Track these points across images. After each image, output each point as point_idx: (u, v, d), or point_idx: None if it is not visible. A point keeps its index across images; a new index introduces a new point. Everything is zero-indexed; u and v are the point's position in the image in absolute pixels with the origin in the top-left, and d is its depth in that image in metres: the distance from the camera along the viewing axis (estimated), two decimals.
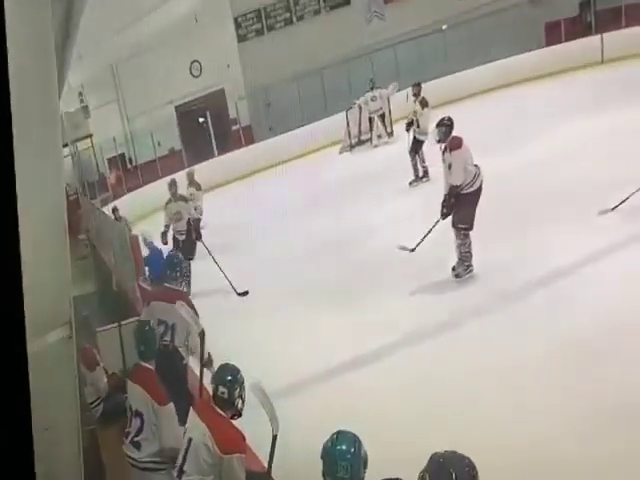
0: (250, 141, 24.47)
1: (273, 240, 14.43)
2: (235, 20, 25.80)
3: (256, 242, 14.43)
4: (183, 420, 5.92)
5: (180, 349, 7.74)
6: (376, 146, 21.94)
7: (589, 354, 8.28)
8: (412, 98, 17.07)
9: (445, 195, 10.97)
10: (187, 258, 10.73)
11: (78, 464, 4.45)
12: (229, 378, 5.37)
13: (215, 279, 12.07)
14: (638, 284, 9.35)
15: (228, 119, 25.78)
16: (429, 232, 11.10)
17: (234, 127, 25.54)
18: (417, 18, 26.16)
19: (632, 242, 10.60)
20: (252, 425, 5.30)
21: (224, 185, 21.30)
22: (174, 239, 13.29)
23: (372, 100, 21.91)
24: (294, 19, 26.62)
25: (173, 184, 14.59)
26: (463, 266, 11.17)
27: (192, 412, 5.51)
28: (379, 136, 22.18)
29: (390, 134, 22.13)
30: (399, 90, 21.99)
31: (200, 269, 12.50)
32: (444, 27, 26.03)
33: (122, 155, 24.00)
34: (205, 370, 6.71)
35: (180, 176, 17.08)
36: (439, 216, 10.70)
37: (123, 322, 8.45)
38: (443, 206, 10.91)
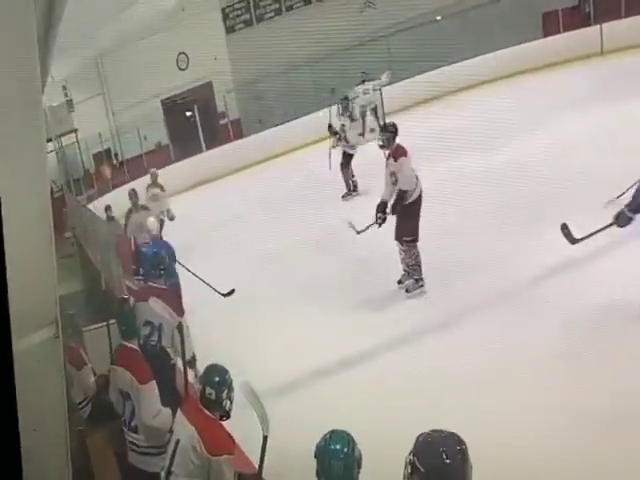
0: (239, 135, 24.49)
1: (258, 237, 14.46)
2: (223, 11, 25.81)
3: (240, 240, 14.44)
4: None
5: (168, 349, 7.77)
6: (368, 140, 21.94)
7: (585, 355, 8.35)
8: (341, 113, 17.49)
9: (381, 200, 11.08)
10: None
11: (66, 465, 4.49)
12: (217, 379, 5.38)
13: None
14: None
15: (216, 113, 25.77)
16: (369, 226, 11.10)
17: (222, 121, 25.52)
18: (410, 7, 26.16)
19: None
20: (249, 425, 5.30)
21: (212, 181, 21.32)
22: None
23: (364, 93, 21.94)
24: (283, 9, 26.58)
25: (134, 194, 14.66)
26: (412, 280, 11.20)
27: (180, 413, 5.52)
28: (371, 130, 22.18)
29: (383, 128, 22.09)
30: (391, 83, 22.12)
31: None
32: (438, 18, 26.03)
33: (108, 150, 23.98)
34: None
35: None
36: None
37: (111, 321, 8.48)
38: (378, 211, 10.99)
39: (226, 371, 5.48)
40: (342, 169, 16.78)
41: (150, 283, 8.74)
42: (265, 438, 4.83)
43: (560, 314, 9.22)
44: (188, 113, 24.95)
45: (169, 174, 21.74)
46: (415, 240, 10.94)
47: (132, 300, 7.71)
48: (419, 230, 10.90)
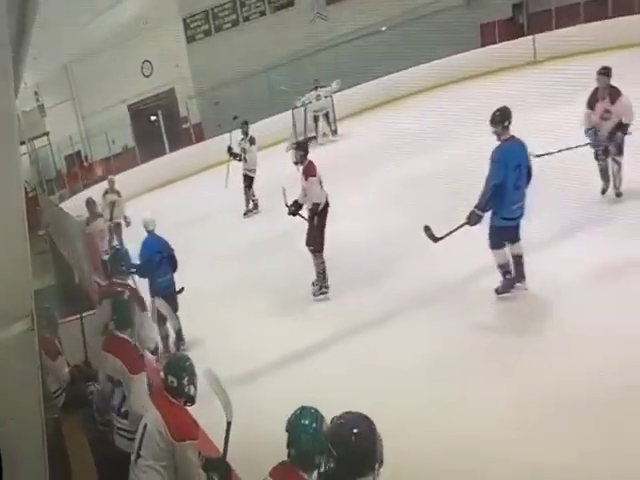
0: (200, 138, 24.41)
1: (219, 237, 14.37)
2: (184, 21, 25.76)
3: (201, 240, 14.35)
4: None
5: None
6: (321, 144, 21.99)
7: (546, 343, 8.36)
8: (241, 136, 17.25)
9: (295, 201, 11.31)
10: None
11: (42, 452, 4.40)
12: (177, 367, 5.35)
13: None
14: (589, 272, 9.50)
15: (179, 117, 25.72)
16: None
17: (184, 125, 25.46)
18: (358, 19, 26.22)
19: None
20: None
21: (176, 181, 21.20)
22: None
23: (316, 99, 21.97)
24: (240, 20, 26.57)
25: (91, 202, 14.52)
26: (318, 286, 11.31)
27: (147, 398, 5.47)
28: (324, 134, 22.25)
29: (334, 132, 22.24)
30: (341, 89, 22.19)
31: None
32: (383, 28, 26.07)
33: (78, 153, 23.85)
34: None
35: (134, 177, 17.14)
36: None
37: (85, 314, 8.41)
38: (292, 206, 11.32)
39: (187, 359, 5.48)
40: (245, 190, 16.72)
41: (114, 279, 8.69)
42: (229, 424, 4.77)
43: (493, 309, 9.28)
44: (153, 117, 24.86)
45: (135, 175, 21.79)
46: (317, 251, 11.12)
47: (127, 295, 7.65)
48: (324, 241, 11.07)
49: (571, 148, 11.45)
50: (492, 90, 21.10)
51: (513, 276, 9.50)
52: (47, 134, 23.19)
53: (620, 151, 11.43)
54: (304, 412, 4.21)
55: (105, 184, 16.60)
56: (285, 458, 4.12)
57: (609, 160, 11.59)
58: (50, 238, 15.41)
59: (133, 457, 5.27)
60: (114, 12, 19.67)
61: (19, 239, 3.45)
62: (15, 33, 4.14)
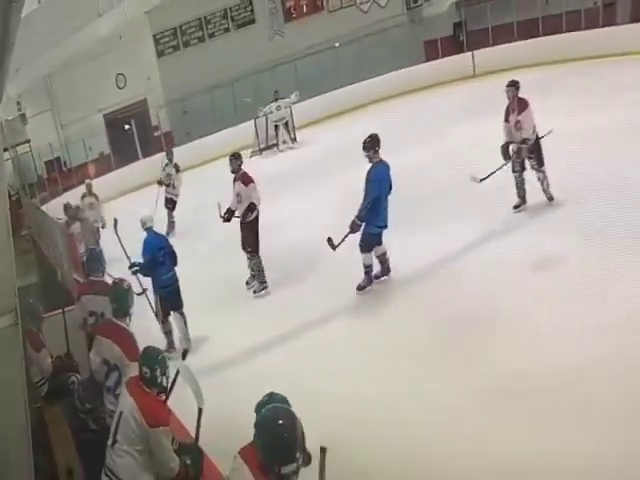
0: (171, 145, 24.24)
1: (191, 236, 14.26)
2: (154, 37, 25.57)
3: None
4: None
5: None
6: (282, 150, 22.04)
7: (471, 330, 8.39)
8: (166, 161, 16.57)
9: (228, 208, 11.45)
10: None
11: (27, 440, 4.35)
12: (151, 359, 5.32)
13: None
14: (515, 270, 9.55)
15: (150, 126, 25.55)
16: None
17: (156, 133, 25.31)
18: (313, 36, 26.34)
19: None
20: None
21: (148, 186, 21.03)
22: None
23: (277, 109, 22.00)
24: (206, 36, 26.48)
25: (69, 207, 14.31)
26: (257, 283, 11.49)
27: (124, 388, 5.43)
28: (284, 142, 22.30)
29: (294, 140, 22.30)
30: (300, 101, 22.21)
31: None
32: (337, 44, 26.14)
33: (58, 158, 23.64)
34: None
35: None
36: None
37: (67, 309, 8.32)
38: (225, 213, 11.46)
39: (160, 352, 5.48)
40: (168, 212, 16.20)
41: (91, 277, 8.57)
42: (200, 410, 4.73)
43: (428, 310, 9.31)
44: (126, 126, 24.64)
45: (110, 179, 21.64)
46: (254, 252, 11.35)
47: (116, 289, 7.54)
48: (259, 242, 11.33)
49: (505, 164, 11.43)
50: (436, 101, 21.33)
51: (375, 273, 10.42)
52: (29, 141, 22.94)
53: (540, 162, 11.40)
54: (272, 396, 4.20)
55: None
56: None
57: (524, 175, 11.57)
58: (32, 238, 15.29)
59: (109, 442, 5.25)
60: (91, 28, 19.44)
61: (3, 239, 3.44)
62: None
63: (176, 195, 16.19)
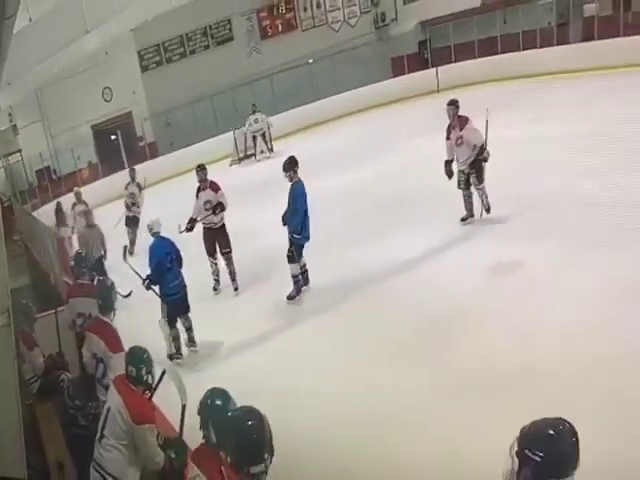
0: (154, 155, 24.28)
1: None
2: (139, 53, 25.48)
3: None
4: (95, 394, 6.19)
5: None
6: (259, 160, 22.08)
7: (437, 331, 8.43)
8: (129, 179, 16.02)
9: (191, 218, 11.41)
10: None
11: (19, 435, 4.35)
12: (137, 359, 5.30)
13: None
14: (472, 273, 9.63)
15: (135, 136, 25.45)
16: None
17: (141, 143, 25.24)
18: (288, 53, 26.40)
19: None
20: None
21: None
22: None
23: (255, 122, 22.02)
24: (188, 53, 26.43)
25: (60, 210, 14.15)
26: (236, 283, 11.53)
27: (112, 385, 5.42)
28: (261, 152, 22.35)
29: (270, 150, 22.36)
30: (276, 113, 22.34)
31: None
32: (310, 61, 26.23)
33: (48, 167, 23.51)
34: None
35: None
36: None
37: (59, 309, 8.31)
38: (188, 223, 11.37)
39: (145, 351, 5.40)
40: (133, 230, 15.45)
41: (78, 281, 8.56)
42: (184, 407, 4.75)
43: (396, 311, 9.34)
44: (113, 137, 24.53)
45: (98, 187, 21.56)
46: (231, 252, 11.41)
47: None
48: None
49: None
50: (402, 115, 21.43)
51: (301, 282, 10.57)
52: (20, 151, 22.85)
53: (480, 179, 11.28)
54: (213, 393, 4.19)
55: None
56: None
57: (472, 189, 11.49)
58: (24, 243, 15.18)
59: (97, 437, 5.23)
60: (79, 44, 19.34)
61: None
62: None
63: (139, 213, 15.48)
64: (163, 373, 5.11)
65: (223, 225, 11.47)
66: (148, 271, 9.26)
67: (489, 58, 24.27)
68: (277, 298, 10.61)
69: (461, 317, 8.56)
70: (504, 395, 6.65)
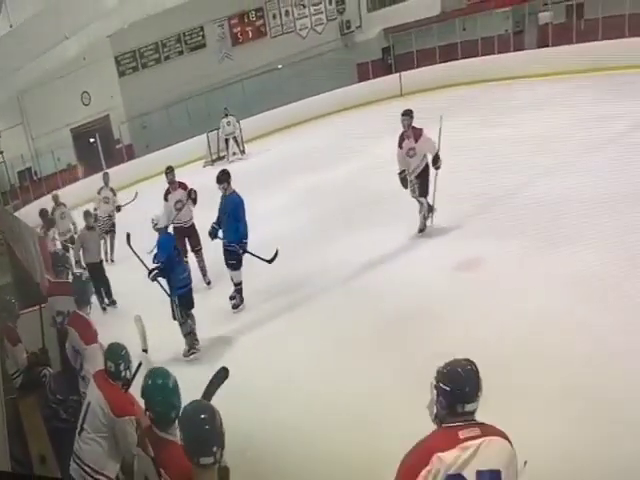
0: (131, 157, 24.13)
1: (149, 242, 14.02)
2: (115, 59, 25.27)
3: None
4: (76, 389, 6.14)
5: None
6: (232, 162, 22.03)
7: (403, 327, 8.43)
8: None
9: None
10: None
11: (2, 429, 4.29)
12: (115, 355, 5.27)
13: None
14: (435, 270, 9.66)
15: (113, 139, 25.26)
16: None
17: (118, 146, 25.05)
18: (258, 59, 26.35)
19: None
20: None
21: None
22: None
23: (227, 125, 21.96)
24: (162, 59, 26.26)
25: (44, 213, 13.86)
26: (207, 277, 11.58)
27: (92, 380, 5.37)
28: (234, 153, 22.32)
29: (242, 152, 22.39)
30: (248, 116, 22.32)
31: None
32: (280, 66, 26.22)
33: (29, 169, 23.24)
34: None
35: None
36: None
37: (43, 306, 8.21)
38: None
39: (123, 348, 5.36)
40: (112, 236, 14.89)
41: (56, 280, 8.47)
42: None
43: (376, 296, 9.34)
44: (91, 139, 24.33)
45: (77, 188, 21.38)
46: (201, 249, 11.53)
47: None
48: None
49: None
50: (367, 118, 21.45)
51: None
52: (1, 153, 22.53)
53: (423, 192, 11.11)
54: (154, 374, 4.14)
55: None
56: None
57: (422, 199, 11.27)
58: (6, 242, 14.97)
59: (77, 430, 5.20)
60: (57, 50, 19.20)
61: None
62: None
63: (114, 218, 14.87)
64: (139, 365, 5.07)
65: (193, 224, 11.52)
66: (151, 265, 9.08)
67: (450, 63, 24.43)
68: (248, 292, 10.53)
69: (426, 313, 8.56)
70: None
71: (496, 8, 24.18)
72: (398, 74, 25.83)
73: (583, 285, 8.18)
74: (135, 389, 5.26)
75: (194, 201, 11.43)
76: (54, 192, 16.27)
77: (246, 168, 20.27)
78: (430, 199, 11.24)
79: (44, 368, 7.33)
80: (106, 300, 11.93)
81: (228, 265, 10.30)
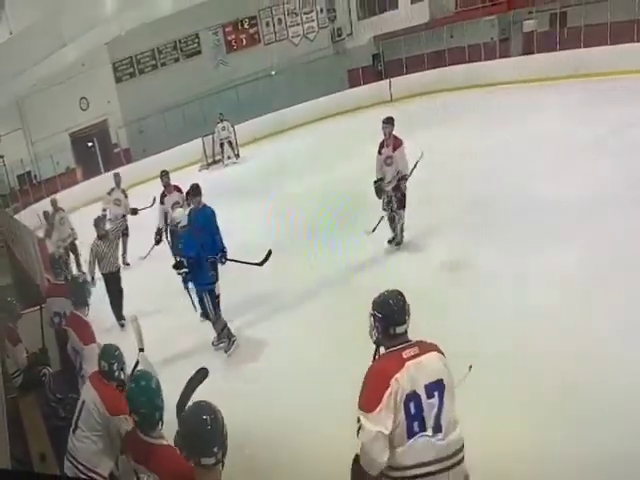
0: (129, 160, 24.06)
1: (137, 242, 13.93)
2: (113, 65, 25.27)
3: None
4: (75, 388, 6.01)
5: None
6: (227, 165, 22.01)
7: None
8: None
9: (158, 229, 11.39)
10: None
11: (3, 428, 4.25)
12: (109, 355, 5.22)
13: None
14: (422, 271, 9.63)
15: (111, 143, 25.26)
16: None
17: (116, 150, 25.05)
18: (252, 65, 26.49)
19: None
20: None
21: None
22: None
23: (222, 129, 21.93)
24: (159, 65, 26.26)
25: (47, 215, 13.62)
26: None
27: (87, 380, 5.33)
28: (228, 157, 22.29)
29: (237, 156, 22.37)
30: (242, 121, 22.31)
31: None
32: (273, 73, 26.25)
33: (29, 172, 23.17)
34: None
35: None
36: None
37: (43, 306, 8.17)
38: (157, 234, 11.40)
39: (117, 348, 5.29)
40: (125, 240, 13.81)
41: (54, 282, 8.43)
42: None
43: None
44: (89, 144, 24.34)
45: (76, 191, 21.33)
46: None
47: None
48: None
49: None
50: (359, 123, 21.44)
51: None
52: (2, 157, 22.48)
53: (401, 205, 10.63)
54: (139, 376, 4.16)
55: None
56: None
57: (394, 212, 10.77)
58: (6, 244, 14.89)
59: (72, 428, 5.15)
60: (57, 56, 19.18)
61: None
62: None
63: (126, 221, 13.82)
64: (137, 364, 5.03)
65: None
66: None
67: (438, 70, 24.54)
68: (246, 293, 10.47)
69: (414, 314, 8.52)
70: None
71: (483, 16, 24.22)
72: (388, 80, 25.91)
73: (570, 285, 8.14)
74: None
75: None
76: (52, 196, 15.83)
77: (240, 172, 20.33)
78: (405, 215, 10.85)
79: (44, 368, 7.29)
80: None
81: None
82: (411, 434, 3.69)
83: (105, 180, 21.68)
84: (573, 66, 19.83)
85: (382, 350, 3.99)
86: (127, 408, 4.94)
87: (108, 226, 11.95)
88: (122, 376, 5.20)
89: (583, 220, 9.78)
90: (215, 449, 3.30)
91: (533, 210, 10.67)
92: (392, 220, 10.83)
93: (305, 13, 29.03)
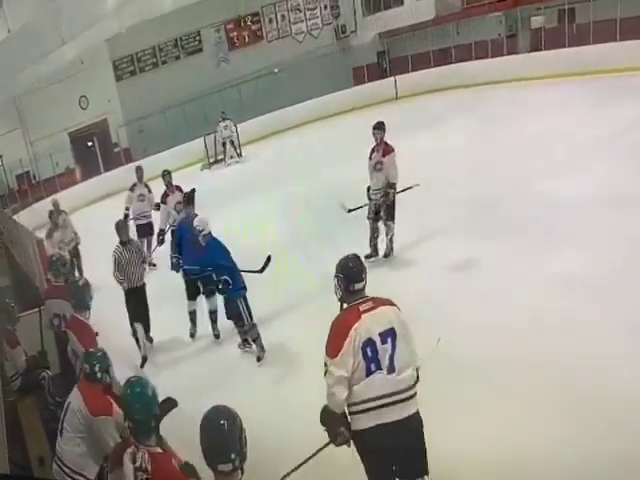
0: (129, 160, 24.03)
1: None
2: (113, 63, 25.30)
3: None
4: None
5: None
6: (229, 164, 22.04)
7: None
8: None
9: (160, 230, 11.59)
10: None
11: (1, 431, 4.28)
12: (90, 357, 5.29)
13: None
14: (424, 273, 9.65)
15: (111, 143, 25.28)
16: None
17: (116, 149, 25.09)
18: (254, 63, 26.51)
19: None
20: None
21: (110, 197, 20.72)
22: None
23: (224, 128, 21.95)
24: (159, 63, 26.29)
25: (52, 214, 13.26)
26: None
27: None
28: (231, 156, 22.31)
29: (239, 155, 22.38)
30: (244, 120, 22.32)
31: None
32: (276, 70, 26.25)
33: (27, 172, 23.20)
34: None
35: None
36: None
37: (42, 308, 8.20)
38: (159, 235, 11.67)
39: (101, 351, 5.40)
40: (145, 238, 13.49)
41: (53, 283, 8.43)
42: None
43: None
44: (89, 143, 24.38)
45: (76, 191, 21.36)
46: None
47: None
48: None
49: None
50: (364, 122, 21.41)
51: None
52: (0, 157, 22.52)
53: (390, 216, 10.41)
54: (134, 383, 4.11)
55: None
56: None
57: (380, 224, 10.56)
58: (5, 245, 14.93)
59: (59, 429, 5.22)
60: (55, 55, 19.19)
61: None
62: None
63: (150, 217, 13.32)
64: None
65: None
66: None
67: (444, 67, 24.53)
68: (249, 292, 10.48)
69: (419, 314, 8.54)
70: (464, 385, 6.63)
71: (489, 13, 24.21)
72: (393, 78, 25.93)
73: (574, 286, 8.16)
74: None
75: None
76: (54, 198, 15.73)
77: (243, 171, 20.36)
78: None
79: (43, 370, 7.34)
80: (142, 340, 8.90)
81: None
82: (369, 373, 4.43)
83: (105, 180, 21.90)
84: (582, 63, 19.77)
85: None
86: (111, 410, 5.01)
87: (132, 225, 11.88)
88: (106, 379, 5.23)
89: (587, 220, 9.81)
90: (232, 455, 3.26)
91: (539, 209, 10.69)
92: (374, 231, 10.66)
93: (309, 9, 29.06)
